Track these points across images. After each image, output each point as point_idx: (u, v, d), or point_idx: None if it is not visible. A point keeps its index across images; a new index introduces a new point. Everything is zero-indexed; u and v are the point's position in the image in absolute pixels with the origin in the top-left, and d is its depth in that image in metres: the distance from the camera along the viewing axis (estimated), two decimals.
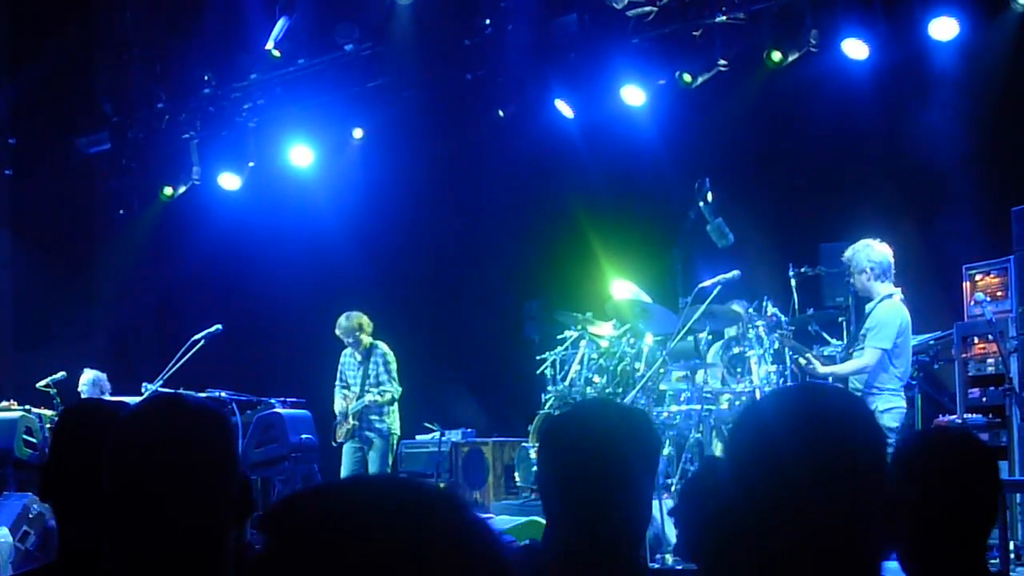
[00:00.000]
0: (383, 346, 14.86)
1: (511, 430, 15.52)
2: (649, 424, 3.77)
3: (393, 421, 14.85)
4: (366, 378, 14.75)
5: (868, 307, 11.48)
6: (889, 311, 11.32)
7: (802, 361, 11.67)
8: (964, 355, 11.67)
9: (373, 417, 14.73)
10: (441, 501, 1.73)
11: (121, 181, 19.28)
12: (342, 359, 15.06)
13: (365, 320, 14.83)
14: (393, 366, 14.80)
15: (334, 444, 14.97)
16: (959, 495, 3.78)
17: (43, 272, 19.68)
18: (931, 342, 12.63)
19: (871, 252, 11.40)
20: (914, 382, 12.41)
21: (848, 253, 11.49)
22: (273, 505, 1.73)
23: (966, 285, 12.01)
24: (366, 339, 14.79)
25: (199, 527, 3.07)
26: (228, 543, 3.12)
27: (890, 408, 11.16)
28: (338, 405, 15.00)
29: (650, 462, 3.70)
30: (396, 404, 14.86)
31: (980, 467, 3.91)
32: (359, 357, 14.86)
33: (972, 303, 11.87)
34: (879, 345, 11.21)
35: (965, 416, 11.38)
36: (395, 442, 14.99)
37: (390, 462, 14.81)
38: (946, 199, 13.70)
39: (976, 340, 11.66)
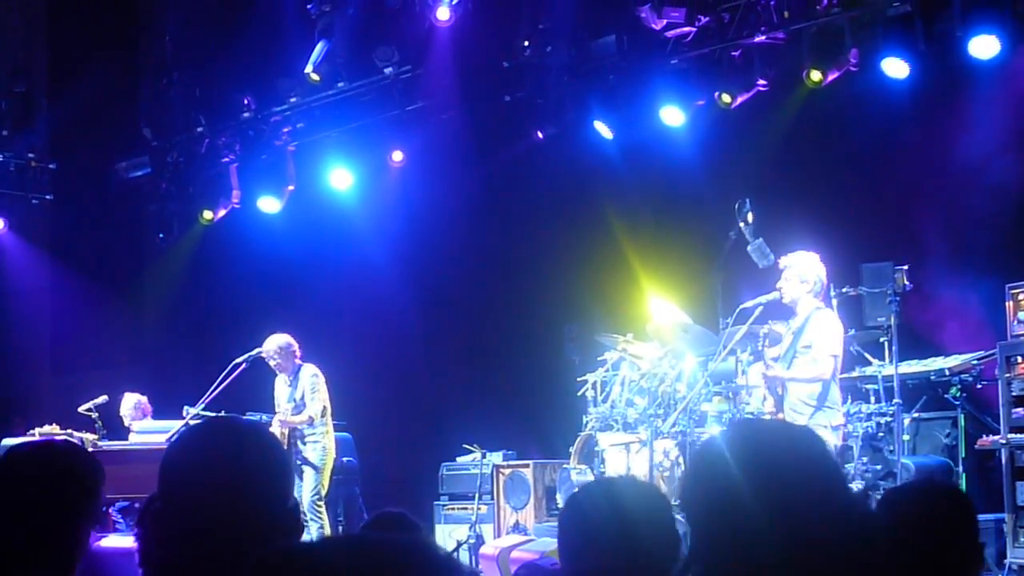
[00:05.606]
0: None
1: (552, 452, 15.51)
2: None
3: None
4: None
5: (795, 322, 11.57)
6: (832, 321, 11.53)
7: (766, 370, 11.59)
8: (1007, 375, 11.58)
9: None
10: (418, 559, 1.71)
11: (161, 205, 19.38)
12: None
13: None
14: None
15: None
16: (943, 548, 4.02)
17: (83, 296, 19.77)
18: (974, 362, 12.59)
19: (822, 270, 11.47)
20: (957, 402, 12.38)
21: (795, 259, 11.53)
22: (248, 565, 1.71)
23: (1009, 304, 11.92)
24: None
25: (252, 549, 3.07)
26: None
27: (838, 426, 11.18)
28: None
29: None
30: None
31: (964, 521, 4.16)
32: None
33: (1015, 322, 11.80)
34: (833, 352, 11.24)
35: (1009, 436, 11.32)
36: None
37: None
38: (988, 218, 13.63)
39: (1020, 359, 11.56)
